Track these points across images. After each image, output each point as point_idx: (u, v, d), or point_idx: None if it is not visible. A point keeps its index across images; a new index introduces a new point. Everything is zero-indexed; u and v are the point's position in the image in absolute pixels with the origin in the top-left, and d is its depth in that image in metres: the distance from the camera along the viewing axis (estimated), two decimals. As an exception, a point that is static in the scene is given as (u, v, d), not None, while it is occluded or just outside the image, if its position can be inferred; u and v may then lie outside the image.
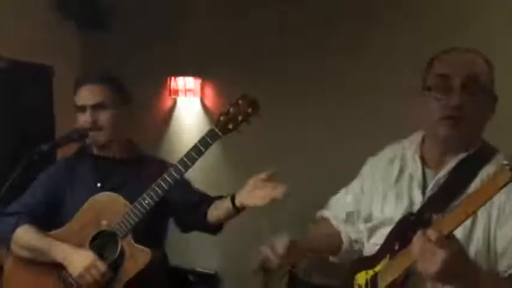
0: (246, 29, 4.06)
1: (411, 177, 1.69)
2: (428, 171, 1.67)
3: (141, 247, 2.18)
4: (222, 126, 2.13)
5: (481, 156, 1.60)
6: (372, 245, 1.74)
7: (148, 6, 4.46)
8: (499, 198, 1.49)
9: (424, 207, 1.60)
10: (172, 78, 4.37)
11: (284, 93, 3.88)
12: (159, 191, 2.16)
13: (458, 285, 1.40)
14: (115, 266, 2.20)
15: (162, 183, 2.16)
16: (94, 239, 2.25)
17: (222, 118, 2.13)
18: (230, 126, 2.12)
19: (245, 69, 3.98)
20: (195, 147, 2.18)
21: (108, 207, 2.24)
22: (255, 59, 3.95)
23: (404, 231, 1.58)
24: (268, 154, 3.94)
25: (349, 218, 1.89)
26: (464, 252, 1.38)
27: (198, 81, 4.37)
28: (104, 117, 2.34)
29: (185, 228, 2.48)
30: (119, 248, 2.20)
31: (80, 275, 2.17)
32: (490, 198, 1.29)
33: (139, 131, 4.40)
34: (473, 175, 1.57)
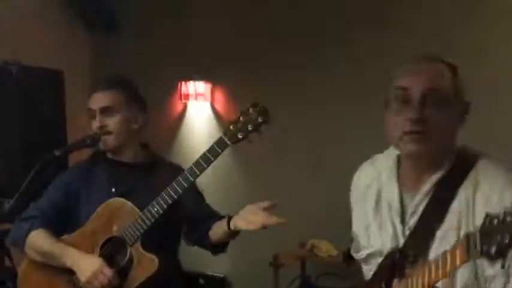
0: (257, 34, 4.07)
1: (389, 206, 1.61)
2: (406, 196, 1.58)
3: (149, 255, 2.18)
4: (231, 135, 2.11)
5: (458, 171, 1.51)
6: (367, 270, 1.70)
7: (159, 11, 4.48)
8: (482, 212, 1.39)
9: (407, 243, 1.53)
10: (183, 82, 4.39)
11: (295, 97, 3.89)
12: (168, 199, 2.15)
13: None
14: (124, 272, 2.21)
15: (170, 191, 2.15)
16: (105, 244, 2.26)
17: (231, 127, 2.11)
18: (240, 136, 2.09)
19: (255, 74, 3.99)
20: (204, 156, 2.17)
21: (118, 213, 2.24)
22: (266, 64, 3.96)
23: (389, 268, 1.55)
24: (277, 155, 3.95)
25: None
26: None
27: (209, 85, 4.38)
28: (112, 121, 2.32)
29: (189, 241, 2.47)
30: (128, 254, 2.20)
31: (88, 281, 2.18)
32: (453, 269, 1.26)
33: (150, 135, 4.47)
34: (452, 196, 1.49)
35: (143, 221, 2.17)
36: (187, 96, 4.40)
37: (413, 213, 1.54)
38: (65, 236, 2.33)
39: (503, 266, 1.17)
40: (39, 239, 2.30)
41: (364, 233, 1.69)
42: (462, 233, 1.40)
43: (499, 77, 3.23)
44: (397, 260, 1.53)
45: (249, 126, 2.08)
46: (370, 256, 1.67)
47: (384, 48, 3.54)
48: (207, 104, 4.42)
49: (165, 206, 2.16)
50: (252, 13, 4.09)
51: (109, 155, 2.43)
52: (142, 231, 2.18)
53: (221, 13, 4.28)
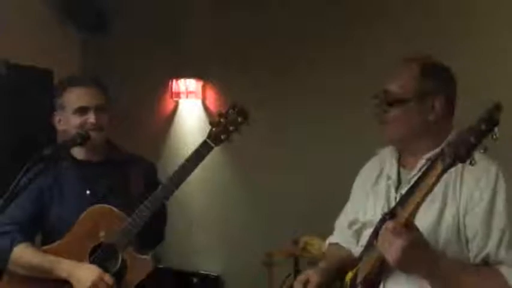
0: (247, 31, 4.06)
1: (388, 177, 1.83)
2: (403, 171, 1.81)
3: (143, 257, 2.21)
4: (214, 138, 2.19)
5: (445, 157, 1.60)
6: (360, 248, 1.83)
7: (149, 9, 4.46)
8: (467, 186, 1.63)
9: (396, 205, 1.64)
10: (174, 80, 4.37)
11: (286, 94, 3.88)
12: (156, 202, 2.18)
13: (422, 272, 1.52)
14: (117, 278, 2.21)
15: (160, 194, 2.18)
16: (93, 251, 2.24)
17: (214, 129, 2.20)
18: (222, 137, 2.18)
19: (246, 71, 3.98)
20: (190, 159, 2.22)
21: (104, 219, 2.24)
22: (257, 61, 3.95)
23: (380, 230, 1.63)
24: (269, 153, 3.94)
25: (351, 225, 1.98)
26: (422, 240, 1.50)
27: (200, 83, 4.37)
28: (104, 118, 2.34)
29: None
30: (120, 259, 2.21)
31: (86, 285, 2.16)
32: (434, 184, 1.40)
33: (141, 133, 4.46)
34: (438, 176, 1.59)
35: (133, 225, 2.18)
36: (178, 94, 4.38)
37: (406, 184, 1.71)
38: (48, 246, 2.29)
39: (471, 163, 1.33)
40: (24, 255, 2.25)
41: (363, 205, 1.88)
42: (449, 199, 1.64)
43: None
44: (387, 221, 1.60)
45: (230, 127, 2.17)
46: (364, 226, 1.85)
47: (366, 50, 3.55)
48: (198, 102, 4.41)
49: (153, 209, 2.17)
50: (243, 11, 4.07)
51: (77, 156, 2.40)
52: (133, 235, 2.18)
53: (211, 11, 4.27)
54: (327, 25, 3.72)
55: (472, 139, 1.30)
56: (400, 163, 1.83)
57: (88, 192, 2.33)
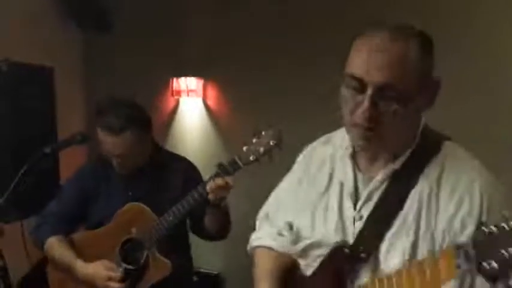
0: (248, 29, 4.05)
1: (341, 184, 1.45)
2: (360, 177, 1.42)
3: (164, 259, 2.29)
4: (243, 157, 2.14)
5: (419, 158, 1.34)
6: (304, 266, 1.51)
7: (150, 7, 4.45)
8: (445, 212, 1.28)
9: (359, 237, 1.36)
10: (175, 78, 4.37)
11: (286, 92, 3.88)
12: (182, 210, 2.24)
13: None
14: (139, 272, 2.34)
15: (185, 203, 2.23)
16: (125, 243, 2.40)
17: (245, 148, 2.14)
18: (251, 158, 2.12)
19: (247, 70, 3.97)
20: (216, 174, 2.18)
21: (138, 217, 2.36)
22: (258, 59, 3.95)
23: (338, 263, 1.38)
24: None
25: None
26: None
27: (201, 81, 4.36)
28: (130, 158, 2.40)
29: (192, 232, 2.58)
30: (144, 256, 2.32)
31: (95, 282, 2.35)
32: None
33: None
34: (409, 187, 1.33)
35: (160, 228, 2.28)
36: (179, 93, 4.38)
37: (367, 201, 1.38)
38: (88, 232, 2.53)
39: None
40: (51, 248, 2.47)
41: (308, 218, 1.49)
42: (422, 231, 1.29)
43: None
44: (347, 257, 1.36)
45: (261, 149, 2.10)
46: (309, 247, 1.47)
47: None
48: (199, 100, 4.41)
49: (179, 217, 2.26)
50: (244, 9, 4.07)
51: None
52: (158, 237, 2.29)
53: (212, 10, 4.26)
54: (332, 23, 3.71)
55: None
56: (356, 164, 1.44)
57: (130, 193, 2.45)
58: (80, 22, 4.60)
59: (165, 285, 2.33)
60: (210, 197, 2.17)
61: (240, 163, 2.14)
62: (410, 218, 1.31)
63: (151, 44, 4.43)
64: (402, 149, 1.35)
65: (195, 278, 4.26)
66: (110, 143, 2.35)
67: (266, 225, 1.69)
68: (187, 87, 4.34)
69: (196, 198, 2.21)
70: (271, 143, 2.09)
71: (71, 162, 3.18)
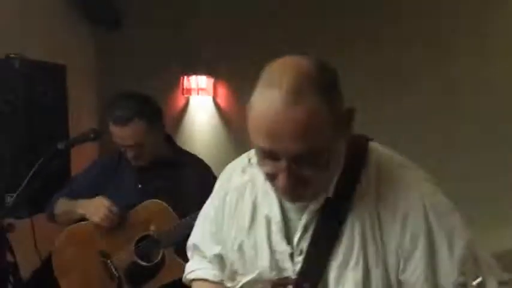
0: (259, 27, 4.06)
1: (268, 219, 1.30)
2: (290, 207, 1.28)
3: (180, 260, 2.27)
4: None
5: (348, 182, 1.23)
6: None
7: (161, 6, 4.47)
8: (390, 231, 1.18)
9: (303, 273, 1.26)
10: (185, 77, 4.38)
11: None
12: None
13: None
14: (153, 270, 2.37)
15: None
16: (141, 239, 2.41)
17: None
18: None
19: (258, 68, 3.97)
20: None
21: (157, 214, 2.37)
22: (268, 58, 3.94)
23: None
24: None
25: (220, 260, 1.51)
26: None
27: (211, 80, 4.37)
28: (142, 151, 2.42)
29: None
30: (160, 255, 2.35)
31: (96, 217, 2.39)
32: None
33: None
34: (345, 216, 1.22)
35: (182, 229, 2.24)
36: (189, 91, 4.39)
37: (305, 233, 1.25)
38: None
39: None
40: (61, 204, 2.56)
41: (238, 253, 1.37)
42: (372, 257, 1.19)
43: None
44: None
45: None
46: (248, 284, 1.37)
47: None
48: (209, 99, 4.42)
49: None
50: (255, 8, 4.07)
51: None
52: (178, 238, 2.25)
53: (223, 8, 4.26)
54: (344, 22, 3.71)
55: None
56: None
57: (140, 186, 2.49)
58: (92, 20, 4.63)
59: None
60: None
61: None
62: (356, 245, 1.19)
63: (162, 43, 4.44)
64: (332, 173, 1.23)
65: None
66: (118, 134, 2.38)
67: (197, 255, 1.59)
68: (197, 85, 4.35)
69: None
70: None
71: (81, 160, 3.20)
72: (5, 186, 2.78)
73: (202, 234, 1.54)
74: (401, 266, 1.18)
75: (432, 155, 3.02)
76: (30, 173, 2.31)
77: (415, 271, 1.17)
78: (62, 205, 2.56)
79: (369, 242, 1.19)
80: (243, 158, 1.45)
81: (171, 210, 2.35)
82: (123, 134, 2.38)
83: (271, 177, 1.17)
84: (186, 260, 2.24)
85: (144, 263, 2.39)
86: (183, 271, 2.23)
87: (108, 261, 2.45)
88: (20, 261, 2.75)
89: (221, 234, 1.44)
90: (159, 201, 2.38)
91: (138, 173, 2.50)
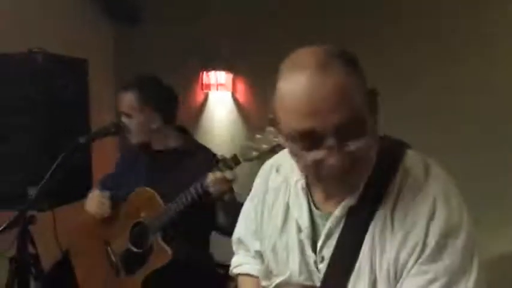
0: (278, 23, 4.05)
1: (298, 225, 1.31)
2: (317, 214, 1.29)
3: (165, 247, 2.29)
4: (244, 153, 2.12)
5: (374, 191, 1.20)
6: None
7: (180, 2, 4.48)
8: (390, 251, 1.16)
9: (326, 282, 1.26)
10: (205, 72, 4.39)
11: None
12: (185, 200, 2.24)
13: None
14: (144, 257, 2.36)
15: (188, 194, 2.23)
16: (135, 225, 2.45)
17: (247, 143, 2.12)
18: (254, 154, 2.08)
19: (276, 64, 3.96)
20: (217, 167, 2.20)
21: (147, 202, 2.39)
22: (287, 54, 3.93)
23: None
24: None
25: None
26: None
27: (230, 75, 4.38)
28: (130, 123, 2.47)
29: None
30: (149, 242, 2.35)
31: (95, 213, 2.51)
32: None
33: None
34: (366, 226, 1.20)
35: (165, 215, 2.29)
36: (208, 86, 4.41)
37: (326, 240, 1.26)
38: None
39: None
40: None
41: (272, 253, 1.39)
42: (378, 268, 1.17)
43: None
44: None
45: (264, 146, 2.06)
46: (279, 286, 1.38)
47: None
48: (228, 94, 4.43)
49: (181, 207, 2.25)
50: (275, 4, 4.07)
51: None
52: (163, 223, 2.30)
53: (243, 4, 4.26)
54: (363, 21, 3.69)
55: None
56: (311, 198, 1.31)
57: (149, 174, 2.52)
58: (112, 17, 4.66)
59: (176, 275, 2.33)
60: (211, 190, 2.17)
61: (241, 159, 2.13)
62: (366, 257, 1.19)
63: (182, 39, 4.46)
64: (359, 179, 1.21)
65: (221, 271, 4.30)
66: (118, 98, 2.48)
67: (241, 249, 1.62)
68: (216, 81, 4.36)
69: (198, 190, 2.20)
70: (274, 140, 2.02)
71: (102, 154, 3.23)
72: (27, 179, 2.81)
73: (246, 229, 1.57)
74: (397, 277, 1.17)
75: (432, 155, 2.99)
76: (53, 167, 2.34)
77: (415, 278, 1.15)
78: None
79: (377, 255, 1.18)
80: (277, 159, 1.47)
81: (158, 197, 2.35)
82: (119, 98, 2.47)
83: (315, 166, 1.12)
84: (173, 246, 2.28)
85: (135, 250, 2.42)
86: (167, 257, 2.27)
87: (108, 248, 2.53)
88: (41, 253, 2.79)
89: (261, 233, 1.46)
90: (147, 188, 2.40)
91: (150, 161, 2.54)
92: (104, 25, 4.67)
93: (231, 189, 2.25)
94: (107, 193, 2.53)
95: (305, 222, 1.29)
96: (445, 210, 1.14)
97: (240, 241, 1.61)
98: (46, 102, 2.92)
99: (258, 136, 2.05)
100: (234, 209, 2.28)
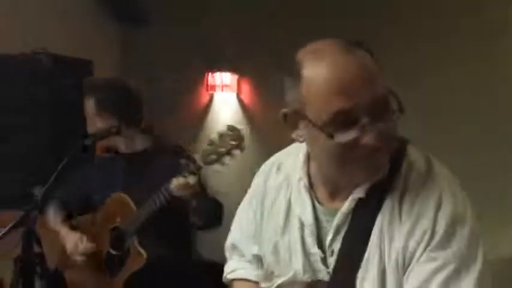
0: (283, 24, 4.05)
1: (301, 222, 1.30)
2: (321, 210, 1.29)
3: (140, 250, 2.33)
4: (205, 157, 2.12)
5: (380, 184, 1.21)
6: None
7: (186, 3, 4.49)
8: (399, 240, 1.17)
9: (336, 275, 1.25)
10: (210, 73, 4.39)
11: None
12: (153, 205, 2.26)
13: None
14: (122, 261, 2.41)
15: (156, 198, 2.25)
16: (113, 230, 2.47)
17: (207, 147, 2.12)
18: (213, 157, 2.10)
19: (282, 65, 3.96)
20: (181, 174, 2.20)
21: (121, 206, 2.42)
22: (293, 55, 3.93)
23: None
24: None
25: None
26: None
27: (235, 77, 4.38)
28: (91, 128, 2.50)
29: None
30: (126, 245, 2.39)
31: (70, 253, 2.52)
32: None
33: (176, 125, 4.50)
34: (373, 219, 1.21)
35: (137, 220, 2.33)
36: (213, 87, 4.41)
37: (336, 234, 1.25)
38: (80, 217, 2.66)
39: None
40: (49, 216, 2.66)
41: (272, 254, 1.38)
42: (387, 258, 1.18)
43: None
44: None
45: (222, 149, 2.08)
46: (283, 285, 1.36)
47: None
48: (233, 95, 4.43)
49: (151, 212, 2.27)
50: (280, 5, 4.07)
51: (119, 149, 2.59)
52: (136, 227, 2.33)
53: (247, 5, 4.27)
54: (363, 21, 3.69)
55: None
56: (314, 195, 1.29)
57: (123, 181, 2.51)
58: (118, 17, 4.67)
59: (156, 277, 2.36)
60: (177, 195, 2.20)
61: (201, 163, 2.13)
62: (375, 247, 1.19)
63: (187, 40, 4.47)
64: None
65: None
66: (85, 104, 2.51)
67: (235, 255, 1.60)
68: (221, 82, 4.36)
69: (164, 195, 2.22)
70: (231, 143, 2.06)
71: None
72: (32, 179, 2.82)
73: (241, 234, 1.54)
74: (405, 266, 1.17)
75: (432, 155, 2.99)
76: (59, 168, 2.35)
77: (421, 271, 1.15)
78: (50, 219, 2.68)
79: (386, 246, 1.18)
80: (278, 157, 1.46)
81: (131, 202, 2.38)
82: (85, 104, 2.51)
83: (348, 147, 1.11)
84: (148, 250, 2.31)
85: (114, 252, 2.46)
86: (143, 261, 2.31)
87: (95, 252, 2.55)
88: (46, 252, 2.80)
89: (259, 236, 1.44)
90: (121, 194, 2.43)
91: (123, 164, 2.55)
92: (109, 26, 4.68)
93: (198, 193, 2.26)
94: (84, 238, 2.53)
95: (309, 218, 1.28)
96: (452, 202, 1.16)
97: (234, 246, 1.59)
98: (50, 103, 2.93)
99: (215, 139, 2.08)
100: (206, 209, 2.32)
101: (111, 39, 4.73)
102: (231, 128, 2.10)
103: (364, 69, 1.10)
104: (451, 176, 1.23)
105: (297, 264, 1.31)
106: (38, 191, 2.46)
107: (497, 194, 3.12)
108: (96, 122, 2.48)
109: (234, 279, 1.58)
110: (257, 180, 1.48)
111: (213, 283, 2.16)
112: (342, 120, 1.10)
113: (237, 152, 2.08)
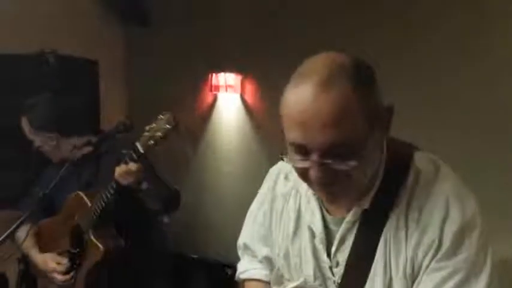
0: (287, 25, 4.07)
1: (311, 231, 1.32)
2: (329, 219, 1.30)
3: (97, 244, 2.40)
4: (143, 143, 2.20)
5: (385, 194, 1.21)
6: None
7: (190, 4, 4.50)
8: (407, 251, 1.18)
9: (343, 286, 1.27)
10: (213, 74, 4.41)
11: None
12: (105, 198, 2.33)
13: None
14: (80, 257, 2.49)
15: (106, 191, 2.32)
16: (73, 229, 2.53)
17: (144, 134, 2.20)
18: (151, 142, 2.18)
19: (286, 66, 3.96)
20: (124, 162, 2.28)
21: (78, 204, 2.50)
22: (296, 55, 3.94)
23: None
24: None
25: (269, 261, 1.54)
26: None
27: (239, 77, 4.39)
28: (34, 146, 2.59)
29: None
30: (84, 240, 2.47)
31: (46, 273, 2.57)
32: None
33: (179, 126, 4.51)
34: (380, 230, 1.21)
35: (91, 213, 2.39)
36: (217, 88, 4.42)
37: (341, 245, 1.27)
38: (44, 220, 2.70)
39: None
40: (20, 238, 2.63)
41: (283, 259, 1.40)
42: (394, 270, 1.19)
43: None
44: None
45: (158, 133, 2.16)
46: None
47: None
48: (237, 96, 4.44)
49: (104, 203, 2.34)
50: (284, 6, 4.08)
51: None
52: (91, 221, 2.40)
53: (252, 6, 4.28)
54: (363, 21, 3.70)
55: None
56: (322, 204, 1.31)
57: (80, 180, 2.60)
58: (123, 18, 4.69)
59: (122, 268, 2.44)
60: (123, 183, 2.26)
61: (140, 149, 2.21)
62: (381, 259, 1.21)
63: (191, 40, 4.48)
64: (369, 184, 1.21)
65: (229, 272, 4.31)
66: None
67: (247, 255, 1.62)
68: (225, 82, 4.37)
69: (112, 185, 2.29)
70: (167, 127, 2.14)
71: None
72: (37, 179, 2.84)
73: (252, 235, 1.56)
74: (414, 275, 1.18)
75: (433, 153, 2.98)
76: (64, 167, 2.40)
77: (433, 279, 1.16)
78: (21, 240, 2.66)
79: (393, 257, 1.19)
80: (285, 165, 1.42)
81: (84, 197, 2.46)
82: None
83: (302, 174, 1.15)
84: (105, 243, 2.39)
85: (72, 250, 2.53)
86: (99, 254, 2.37)
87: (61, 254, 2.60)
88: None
89: (270, 239, 1.46)
90: (76, 192, 2.51)
91: (77, 167, 2.60)
92: (114, 27, 4.71)
93: (148, 179, 2.33)
94: (65, 260, 2.56)
95: (319, 227, 1.29)
96: (458, 208, 1.15)
97: (246, 246, 1.61)
98: (58, 103, 2.94)
99: (152, 126, 2.17)
100: (157, 192, 2.40)
101: (116, 39, 4.76)
102: (163, 113, 2.19)
103: (330, 111, 1.03)
104: (459, 180, 1.22)
105: (308, 270, 1.33)
106: (39, 193, 2.52)
107: (498, 194, 3.12)
108: (35, 141, 2.56)
109: (245, 280, 1.62)
110: (266, 186, 1.50)
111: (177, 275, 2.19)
112: (298, 149, 1.11)
113: (173, 134, 2.17)
